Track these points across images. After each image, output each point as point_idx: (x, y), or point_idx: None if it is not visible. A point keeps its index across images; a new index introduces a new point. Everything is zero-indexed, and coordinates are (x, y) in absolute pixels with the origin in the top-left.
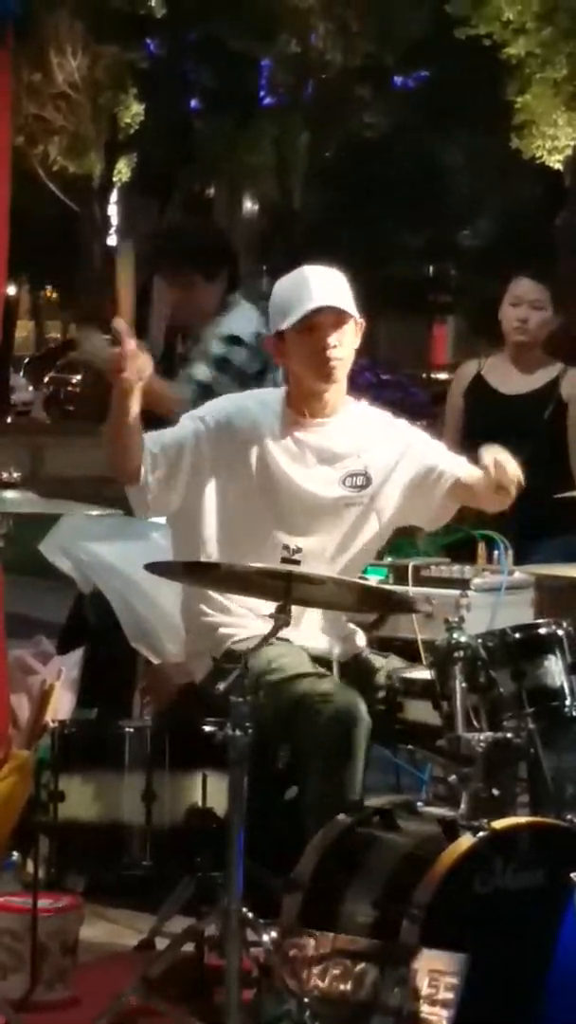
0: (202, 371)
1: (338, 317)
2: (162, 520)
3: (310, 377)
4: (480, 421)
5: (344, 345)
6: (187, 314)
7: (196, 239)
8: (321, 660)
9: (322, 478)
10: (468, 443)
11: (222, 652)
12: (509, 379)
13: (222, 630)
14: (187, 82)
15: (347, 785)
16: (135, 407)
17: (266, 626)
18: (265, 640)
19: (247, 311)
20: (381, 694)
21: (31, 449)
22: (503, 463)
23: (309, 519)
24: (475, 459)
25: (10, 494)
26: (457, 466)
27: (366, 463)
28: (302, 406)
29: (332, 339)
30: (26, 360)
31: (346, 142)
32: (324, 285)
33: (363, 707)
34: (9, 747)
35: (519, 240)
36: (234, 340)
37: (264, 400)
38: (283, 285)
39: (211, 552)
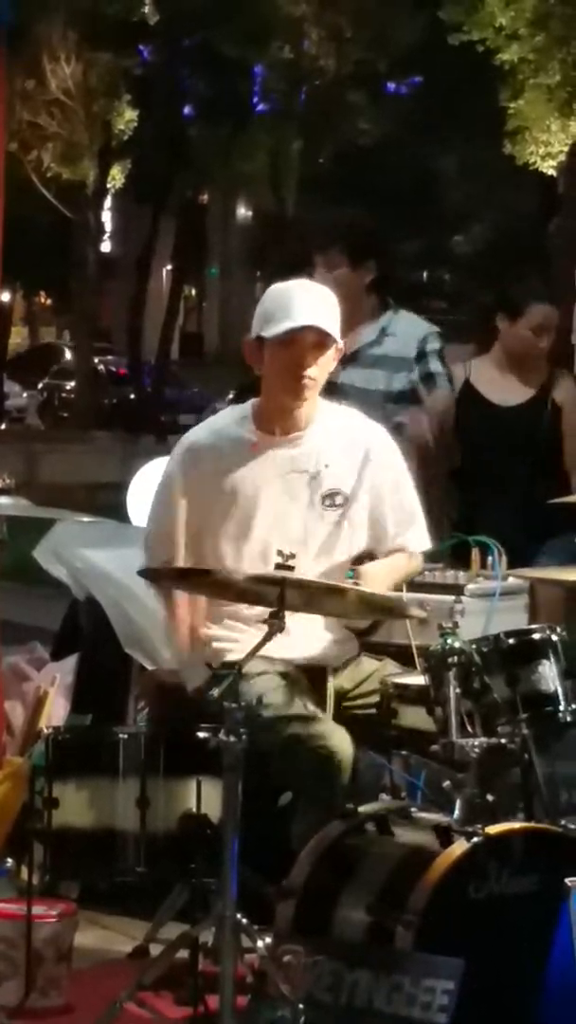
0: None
1: (319, 339)
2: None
3: (281, 391)
4: (474, 432)
5: (320, 367)
6: None
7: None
8: (314, 668)
9: (296, 493)
10: (466, 453)
11: (219, 662)
12: (499, 387)
13: (215, 644)
14: (181, 89)
15: (331, 810)
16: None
17: (260, 634)
18: (260, 646)
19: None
20: (375, 699)
21: (25, 455)
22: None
23: (288, 534)
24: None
25: (4, 500)
26: (402, 537)
27: (337, 476)
28: (272, 421)
29: (309, 359)
30: None
31: (340, 148)
32: (313, 304)
33: (350, 745)
34: (3, 753)
35: (513, 246)
36: None
37: (228, 423)
38: (274, 293)
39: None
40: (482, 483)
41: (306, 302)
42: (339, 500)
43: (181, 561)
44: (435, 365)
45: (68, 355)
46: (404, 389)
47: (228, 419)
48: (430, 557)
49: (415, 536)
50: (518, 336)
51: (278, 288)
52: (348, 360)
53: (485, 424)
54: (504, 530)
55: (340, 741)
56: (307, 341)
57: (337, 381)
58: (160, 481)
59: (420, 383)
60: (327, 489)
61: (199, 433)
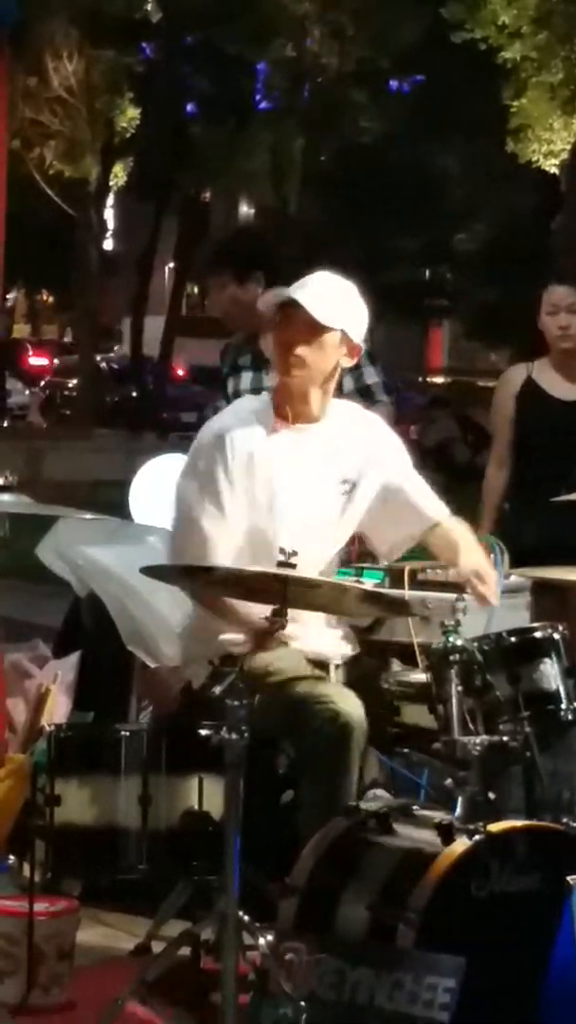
0: None
1: (311, 322)
2: (158, 524)
3: (279, 369)
4: (535, 426)
5: (314, 351)
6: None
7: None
8: (320, 663)
9: (311, 483)
10: (520, 448)
11: (221, 657)
12: (558, 385)
13: (222, 636)
14: (183, 87)
15: (342, 789)
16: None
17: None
18: (262, 642)
19: None
20: (375, 698)
21: (27, 453)
22: (484, 578)
23: (302, 526)
24: (526, 466)
25: (6, 498)
26: (430, 508)
27: (347, 463)
28: (286, 409)
29: (298, 336)
30: None
31: (342, 146)
32: (317, 290)
33: (361, 710)
34: (5, 751)
35: (515, 244)
36: None
37: (249, 409)
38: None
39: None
40: (536, 481)
41: (310, 286)
42: (347, 488)
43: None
44: (370, 375)
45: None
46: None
47: (248, 407)
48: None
49: (442, 507)
50: (543, 325)
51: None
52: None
53: (549, 419)
54: (561, 528)
55: (350, 703)
56: (296, 319)
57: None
58: (194, 480)
59: (357, 396)
60: (340, 475)
61: (224, 421)
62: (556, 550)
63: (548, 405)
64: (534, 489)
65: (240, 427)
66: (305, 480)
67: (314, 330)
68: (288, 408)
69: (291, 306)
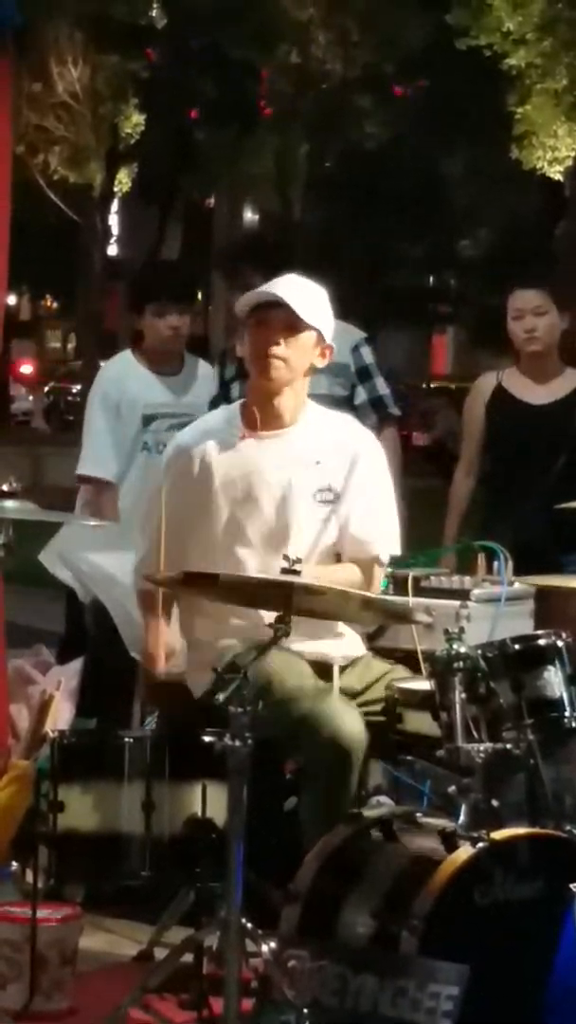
0: None
1: (289, 320)
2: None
3: (254, 373)
4: (507, 433)
5: (292, 349)
6: None
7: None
8: (322, 664)
9: (284, 489)
10: (493, 455)
11: (224, 664)
12: (530, 390)
13: (222, 642)
14: (188, 92)
15: (341, 804)
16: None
17: (265, 637)
18: (265, 650)
19: None
20: (380, 706)
21: (31, 459)
22: None
23: (279, 530)
24: (503, 472)
25: (10, 504)
26: (360, 546)
27: (328, 473)
28: (256, 413)
29: (275, 336)
30: None
31: (346, 152)
32: (288, 288)
33: (361, 726)
34: (8, 757)
35: (519, 250)
36: None
37: (216, 422)
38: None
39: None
40: (511, 487)
41: (281, 285)
42: (330, 496)
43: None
44: (382, 386)
45: None
46: (346, 395)
47: (216, 418)
48: (435, 563)
49: (379, 547)
50: (510, 331)
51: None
52: None
53: (522, 425)
54: (534, 534)
55: (350, 721)
56: (275, 320)
57: None
58: (149, 490)
59: (369, 407)
60: (318, 484)
61: (187, 435)
62: (535, 555)
63: (521, 411)
64: (512, 494)
65: (200, 440)
66: (277, 486)
67: (292, 329)
68: (258, 413)
69: (268, 306)
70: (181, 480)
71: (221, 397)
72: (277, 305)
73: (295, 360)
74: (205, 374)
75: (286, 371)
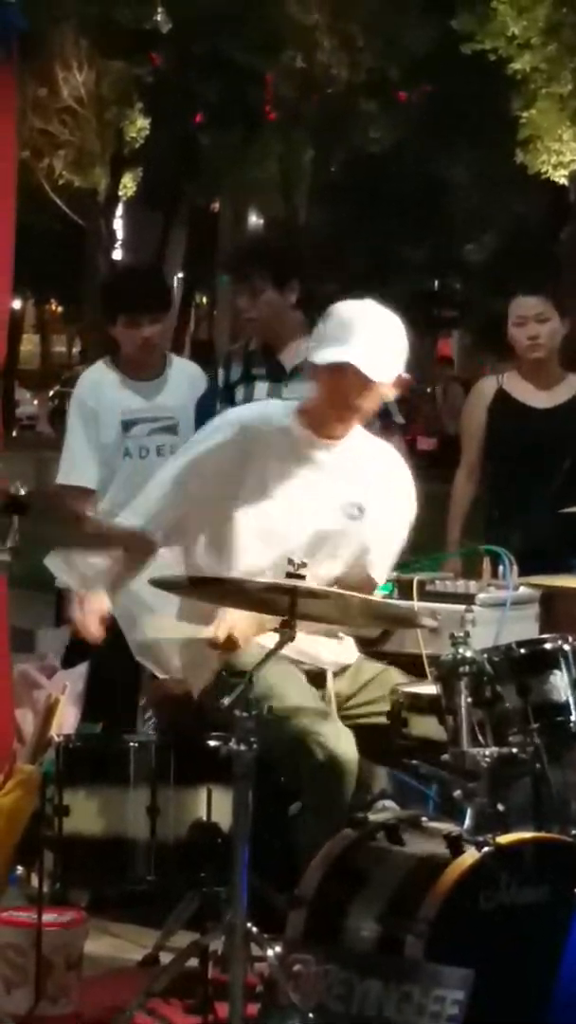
0: None
1: (363, 378)
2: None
3: (327, 409)
4: (509, 437)
5: (368, 399)
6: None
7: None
8: (316, 672)
9: (325, 499)
10: (496, 459)
11: (225, 665)
12: (532, 394)
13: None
14: (192, 97)
15: (337, 819)
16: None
17: (269, 640)
18: (270, 655)
19: None
20: (383, 707)
21: (36, 463)
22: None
23: (310, 538)
24: (507, 476)
25: None
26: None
27: (363, 490)
28: (316, 425)
29: (353, 393)
30: None
31: (351, 157)
32: (369, 339)
33: (353, 746)
34: (14, 761)
35: (524, 255)
36: None
37: (277, 412)
38: (337, 314)
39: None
40: (515, 491)
41: (363, 335)
42: (355, 512)
43: (162, 531)
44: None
45: None
46: None
47: (277, 408)
48: (440, 567)
49: (377, 572)
50: (512, 337)
51: (342, 310)
52: (291, 375)
53: (524, 429)
54: (538, 538)
55: (344, 744)
56: (352, 376)
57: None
58: (193, 445)
59: (374, 418)
60: (351, 499)
61: (247, 413)
62: (540, 558)
63: (524, 414)
64: (516, 498)
65: (260, 423)
66: (315, 493)
67: (369, 385)
68: (322, 426)
69: (341, 364)
70: (225, 451)
71: (226, 400)
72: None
73: (368, 407)
74: (191, 375)
75: (362, 416)
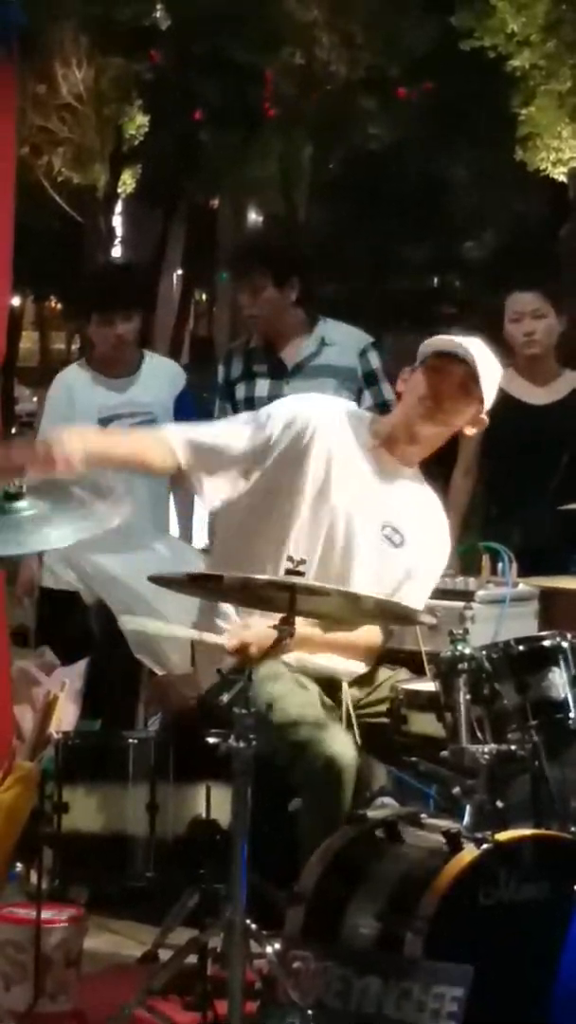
0: None
1: (465, 381)
2: (164, 531)
3: (416, 409)
4: (507, 434)
5: (459, 409)
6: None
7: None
8: (330, 680)
9: (370, 513)
10: (494, 457)
11: (229, 666)
12: (529, 391)
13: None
14: (192, 94)
15: (336, 818)
16: (106, 458)
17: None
18: (269, 651)
19: None
20: (383, 707)
21: None
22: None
23: (346, 547)
24: (505, 473)
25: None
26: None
27: (407, 521)
28: (390, 442)
29: (454, 393)
30: None
31: (350, 154)
32: (482, 354)
33: (353, 750)
34: (13, 758)
35: (524, 252)
36: None
37: (349, 415)
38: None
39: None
40: (513, 488)
41: (475, 348)
42: (398, 540)
43: (201, 477)
44: (387, 390)
45: None
46: (352, 400)
47: (344, 410)
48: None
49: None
50: (508, 333)
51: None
52: (292, 373)
53: (524, 426)
54: (538, 536)
55: (344, 749)
56: (455, 372)
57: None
58: (280, 405)
59: (376, 411)
60: (394, 524)
61: (317, 407)
62: (539, 556)
63: (521, 412)
64: (514, 496)
65: (328, 421)
66: (368, 510)
67: (468, 393)
68: (403, 443)
69: (454, 358)
70: (286, 438)
71: (225, 398)
72: (463, 362)
73: (456, 420)
74: (167, 372)
75: (445, 426)
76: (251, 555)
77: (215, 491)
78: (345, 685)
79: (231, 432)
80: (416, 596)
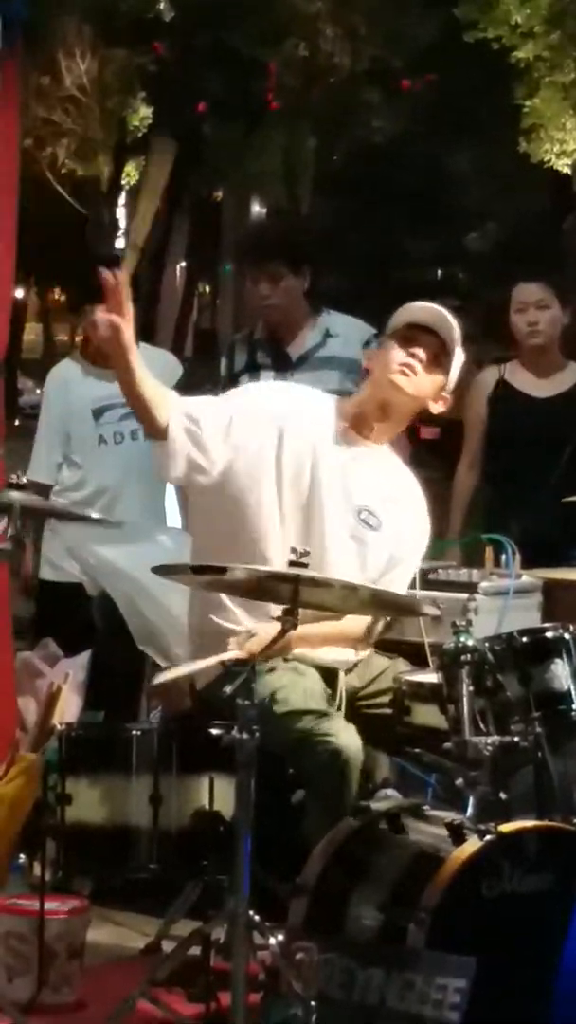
0: None
1: (435, 351)
2: (169, 523)
3: (384, 381)
4: (511, 426)
5: (429, 377)
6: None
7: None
8: (328, 669)
9: (345, 498)
10: (498, 449)
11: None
12: (533, 384)
13: (233, 637)
14: (195, 86)
15: (341, 810)
16: (130, 367)
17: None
18: (273, 643)
19: None
20: (387, 697)
21: None
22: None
23: (333, 532)
24: (508, 465)
25: (19, 496)
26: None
27: (385, 507)
28: (358, 423)
29: (424, 358)
30: None
31: (354, 147)
32: (450, 321)
33: (358, 742)
34: (16, 750)
35: (527, 244)
36: None
37: (317, 402)
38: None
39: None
40: (517, 480)
41: (443, 315)
42: (375, 523)
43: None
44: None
45: None
46: (356, 391)
47: (311, 397)
48: (442, 555)
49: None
50: (512, 324)
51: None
52: (296, 365)
53: (526, 418)
54: (541, 527)
55: (348, 739)
56: (425, 341)
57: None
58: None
59: None
60: (370, 507)
61: (297, 396)
62: (543, 547)
63: (525, 404)
64: (518, 488)
65: (298, 409)
66: (342, 496)
67: (439, 364)
68: (372, 421)
69: (424, 329)
70: (255, 425)
71: (229, 389)
72: (434, 333)
73: (426, 388)
74: (162, 362)
75: (416, 390)
76: (230, 552)
77: (184, 465)
78: (342, 674)
79: (214, 416)
80: (403, 579)
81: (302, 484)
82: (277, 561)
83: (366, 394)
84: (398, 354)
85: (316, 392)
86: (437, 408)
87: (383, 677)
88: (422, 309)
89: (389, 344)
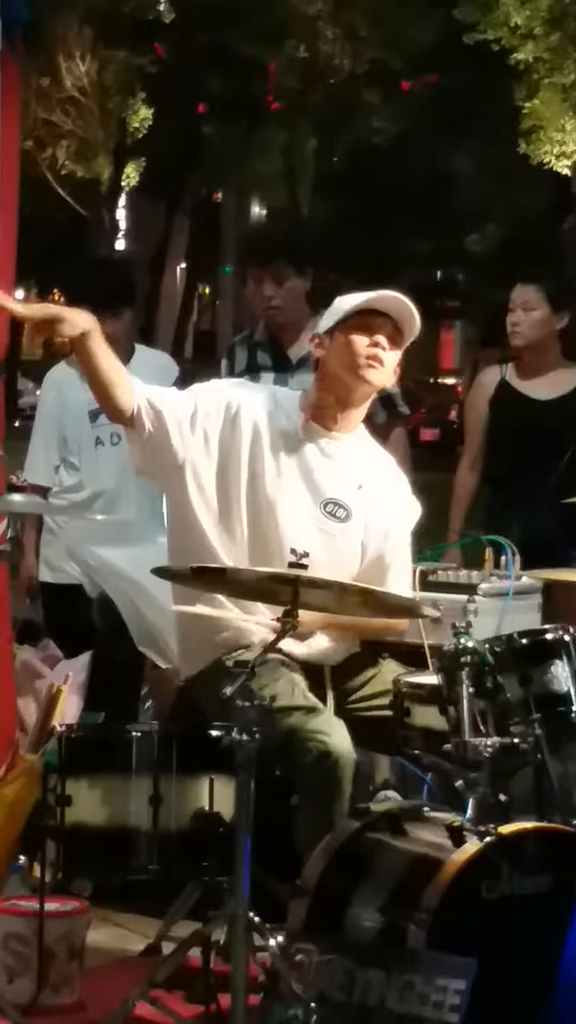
0: None
1: (392, 332)
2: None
3: (345, 373)
4: (512, 428)
5: (389, 358)
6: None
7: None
8: (312, 665)
9: (311, 492)
10: (498, 450)
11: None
12: (534, 385)
13: (224, 635)
14: (195, 87)
15: (334, 813)
16: (93, 356)
17: (265, 630)
18: (273, 644)
19: None
20: (381, 700)
21: None
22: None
23: (299, 529)
24: (508, 466)
25: (18, 497)
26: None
27: (355, 496)
28: (320, 415)
29: (385, 339)
30: None
31: (354, 147)
32: (401, 304)
33: (349, 742)
34: (16, 751)
35: (527, 245)
36: None
37: (278, 399)
38: (350, 295)
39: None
40: (518, 481)
41: (386, 293)
42: (343, 515)
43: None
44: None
45: None
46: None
47: (270, 394)
48: (442, 557)
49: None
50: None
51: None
52: (296, 366)
53: (526, 419)
54: (541, 529)
55: (339, 738)
56: (380, 325)
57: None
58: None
59: (379, 406)
60: (336, 499)
61: (242, 395)
62: (543, 549)
63: (525, 405)
64: (518, 489)
65: (257, 406)
66: (303, 493)
67: (393, 341)
68: (329, 412)
69: (376, 313)
70: (218, 421)
71: None
72: (384, 315)
73: (390, 372)
74: (158, 364)
75: (383, 379)
76: (201, 552)
77: (148, 456)
78: (327, 671)
79: (179, 408)
80: (401, 553)
81: (263, 483)
82: (233, 562)
83: (324, 385)
84: (361, 347)
85: (281, 389)
86: (391, 386)
87: (376, 679)
88: (377, 297)
89: (345, 335)
